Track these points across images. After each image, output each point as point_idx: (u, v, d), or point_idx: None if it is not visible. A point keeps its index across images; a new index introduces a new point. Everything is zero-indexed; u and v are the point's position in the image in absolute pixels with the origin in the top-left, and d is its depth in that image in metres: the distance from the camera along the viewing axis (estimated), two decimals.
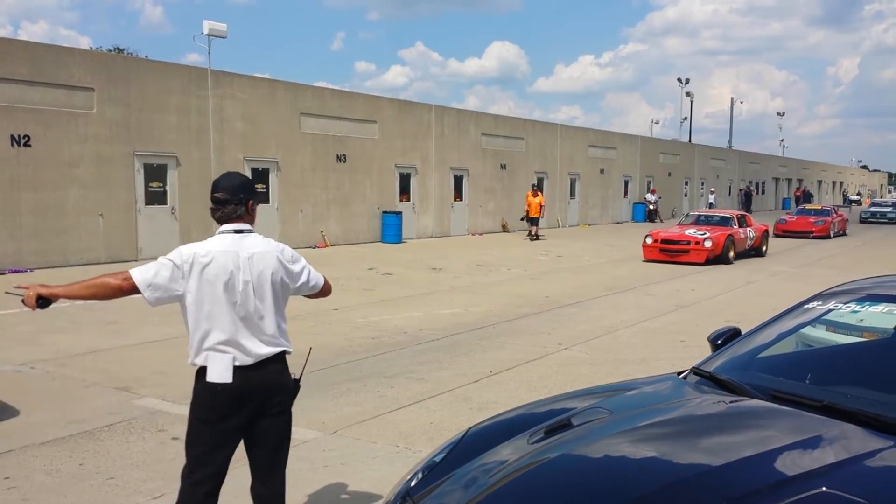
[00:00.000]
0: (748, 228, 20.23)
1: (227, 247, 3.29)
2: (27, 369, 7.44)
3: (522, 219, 25.90)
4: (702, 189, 46.64)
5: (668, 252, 18.37)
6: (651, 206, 36.72)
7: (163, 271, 3.20)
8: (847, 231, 30.29)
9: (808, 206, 32.42)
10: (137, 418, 5.98)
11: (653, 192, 37.35)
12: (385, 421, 6.02)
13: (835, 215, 29.13)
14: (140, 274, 3.18)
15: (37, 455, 5.16)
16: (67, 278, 3.60)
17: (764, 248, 20.96)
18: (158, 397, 6.56)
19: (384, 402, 6.51)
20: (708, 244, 18.06)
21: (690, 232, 18.74)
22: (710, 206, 42.67)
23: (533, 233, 25.00)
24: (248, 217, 3.40)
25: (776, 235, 26.57)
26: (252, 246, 3.33)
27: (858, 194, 75.89)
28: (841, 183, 79.86)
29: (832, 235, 27.84)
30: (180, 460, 5.02)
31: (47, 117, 15.22)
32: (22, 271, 14.40)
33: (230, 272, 3.24)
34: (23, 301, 3.20)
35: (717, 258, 18.21)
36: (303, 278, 3.50)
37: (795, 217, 29.30)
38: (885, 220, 39.52)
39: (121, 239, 16.49)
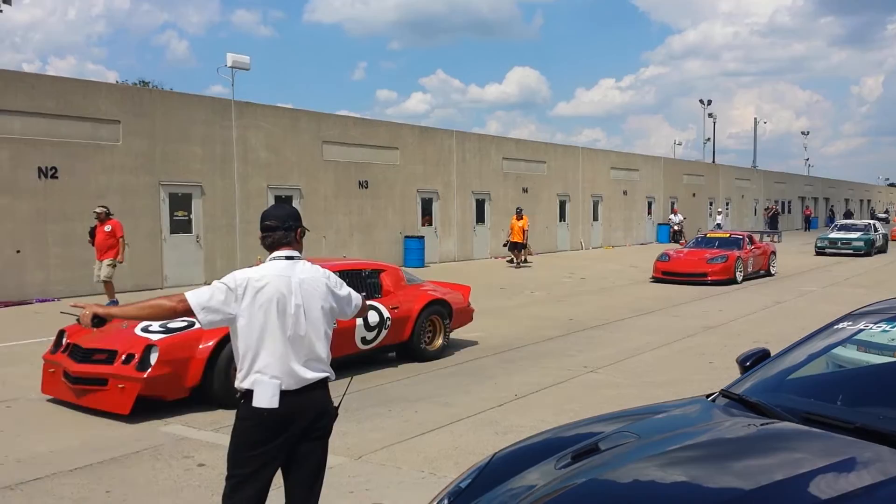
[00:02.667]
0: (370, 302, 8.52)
1: (281, 271, 3.42)
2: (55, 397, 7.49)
3: (505, 245, 24.00)
4: (725, 208, 46.28)
5: (76, 387, 6.93)
6: (675, 227, 36.45)
7: (217, 294, 3.31)
8: (774, 268, 21.04)
9: (710, 234, 22.28)
10: (164, 445, 6.00)
11: (675, 213, 37.09)
12: (410, 446, 6.00)
13: (749, 248, 19.97)
14: (195, 297, 3.29)
15: (64, 482, 5.19)
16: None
17: (442, 342, 9.56)
18: (185, 424, 6.58)
19: (409, 427, 6.48)
20: (148, 368, 6.64)
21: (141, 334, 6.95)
22: (718, 227, 39.05)
23: (517, 259, 22.96)
24: (297, 245, 3.55)
25: (654, 279, 19.11)
26: (303, 271, 3.47)
27: (886, 211, 74.58)
28: (868, 201, 78.98)
29: (740, 279, 18.75)
30: (206, 487, 5.05)
31: (74, 150, 15.48)
32: (49, 300, 14.57)
33: (283, 296, 3.36)
34: (78, 320, 3.31)
35: (197, 392, 6.99)
36: (348, 303, 3.66)
37: (685, 251, 20.21)
38: (850, 251, 27.84)
39: (147, 267, 16.64)
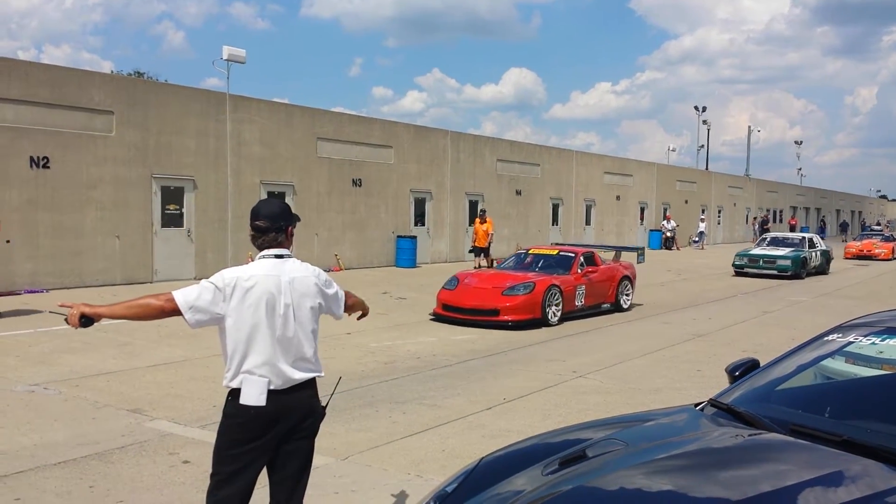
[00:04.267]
0: None
1: (269, 271, 3.38)
2: (41, 389, 7.45)
3: (470, 251, 22.65)
4: (717, 215, 46.43)
5: None
6: (668, 234, 36.51)
7: (205, 294, 3.28)
8: (628, 299, 14.79)
9: (535, 250, 15.23)
10: (149, 441, 5.96)
11: (668, 219, 37.18)
12: (397, 447, 5.98)
13: (581, 272, 13.62)
14: (182, 296, 3.26)
15: (48, 476, 5.15)
16: (82, 300, 3.64)
17: None
18: (170, 420, 6.55)
19: (396, 429, 6.46)
20: None
21: None
22: (701, 235, 38.99)
23: (478, 265, 21.19)
24: (288, 242, 3.51)
25: (434, 317, 12.86)
26: (292, 270, 3.43)
27: (878, 224, 74.50)
28: (860, 213, 79.36)
29: (555, 319, 12.56)
30: (191, 484, 5.03)
31: (67, 139, 15.40)
32: (38, 292, 14.49)
33: (272, 295, 3.33)
34: (66, 319, 3.28)
35: None
36: (336, 302, 3.63)
37: (486, 274, 14.28)
38: (774, 272, 22.82)
39: (136, 260, 16.58)
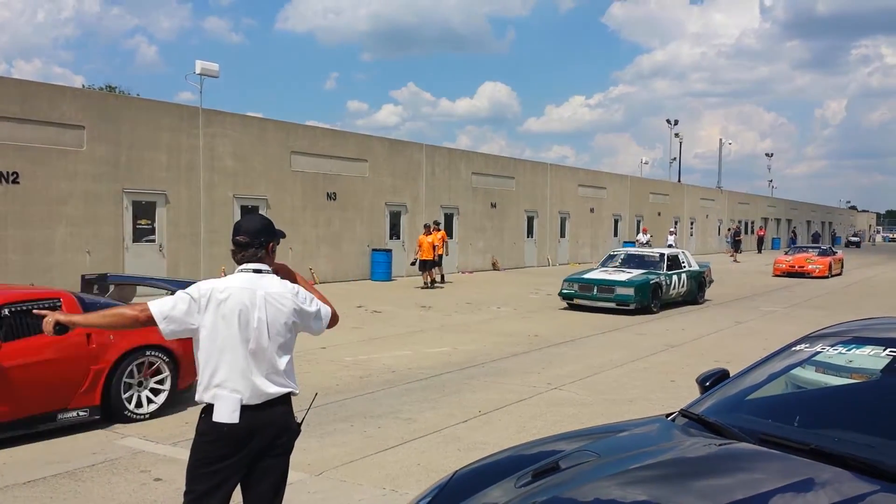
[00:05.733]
0: None
1: (246, 284, 3.38)
2: None
3: (413, 263, 21.83)
4: (690, 227, 46.88)
5: None
6: (645, 247, 36.69)
7: (180, 304, 3.27)
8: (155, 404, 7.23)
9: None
10: (121, 458, 5.89)
11: (644, 232, 37.43)
12: (372, 462, 5.95)
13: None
14: (157, 306, 3.26)
15: (17, 495, 5.07)
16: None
17: None
18: (142, 437, 6.47)
19: (371, 443, 6.44)
20: None
21: None
22: (670, 247, 38.03)
23: (427, 280, 20.65)
24: (268, 258, 3.50)
25: None
26: (269, 285, 3.42)
27: (854, 235, 74.31)
28: (830, 223, 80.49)
29: None
30: (163, 502, 4.97)
31: (37, 154, 15.22)
32: None
33: (246, 308, 3.32)
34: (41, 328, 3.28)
35: None
36: (316, 318, 3.54)
37: None
38: (612, 302, 16.15)
39: None
